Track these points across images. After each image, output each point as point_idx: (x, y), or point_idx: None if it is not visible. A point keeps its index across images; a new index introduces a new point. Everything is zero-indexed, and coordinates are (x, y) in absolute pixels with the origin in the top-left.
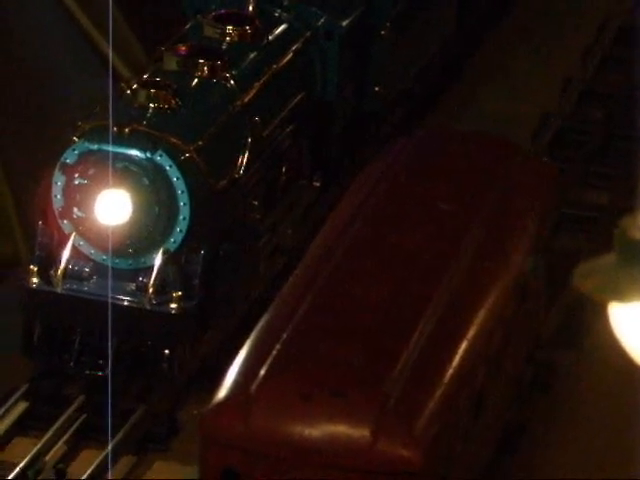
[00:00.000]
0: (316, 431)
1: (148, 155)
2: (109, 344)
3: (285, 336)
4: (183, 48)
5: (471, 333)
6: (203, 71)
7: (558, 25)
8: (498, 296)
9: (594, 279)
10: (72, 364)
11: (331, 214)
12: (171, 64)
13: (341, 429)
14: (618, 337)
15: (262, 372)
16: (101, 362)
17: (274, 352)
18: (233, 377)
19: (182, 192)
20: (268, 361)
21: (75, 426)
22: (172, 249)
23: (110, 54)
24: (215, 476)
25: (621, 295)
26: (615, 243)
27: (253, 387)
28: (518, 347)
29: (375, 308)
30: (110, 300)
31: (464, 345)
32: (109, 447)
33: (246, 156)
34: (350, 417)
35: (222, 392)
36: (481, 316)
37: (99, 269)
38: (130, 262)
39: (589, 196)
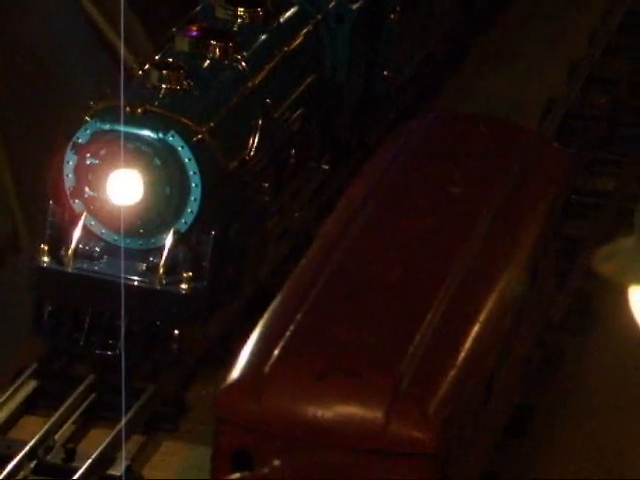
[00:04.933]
0: (329, 412)
1: (160, 136)
2: (121, 324)
3: (299, 317)
4: (194, 29)
5: (483, 315)
6: (214, 52)
7: (564, 9)
8: (509, 279)
9: (614, 262)
10: (82, 343)
11: (343, 196)
12: (183, 45)
13: (354, 410)
14: (638, 320)
15: (275, 353)
16: (111, 342)
17: (287, 333)
18: (246, 357)
19: (194, 173)
20: (281, 342)
21: (84, 405)
22: (183, 230)
23: (122, 34)
24: (228, 457)
25: None
26: (635, 226)
27: (266, 368)
28: (528, 330)
29: (388, 290)
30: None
31: (476, 327)
32: (122, 424)
33: (257, 138)
34: (363, 398)
35: (235, 373)
36: (493, 299)
37: (110, 249)
38: (141, 242)
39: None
